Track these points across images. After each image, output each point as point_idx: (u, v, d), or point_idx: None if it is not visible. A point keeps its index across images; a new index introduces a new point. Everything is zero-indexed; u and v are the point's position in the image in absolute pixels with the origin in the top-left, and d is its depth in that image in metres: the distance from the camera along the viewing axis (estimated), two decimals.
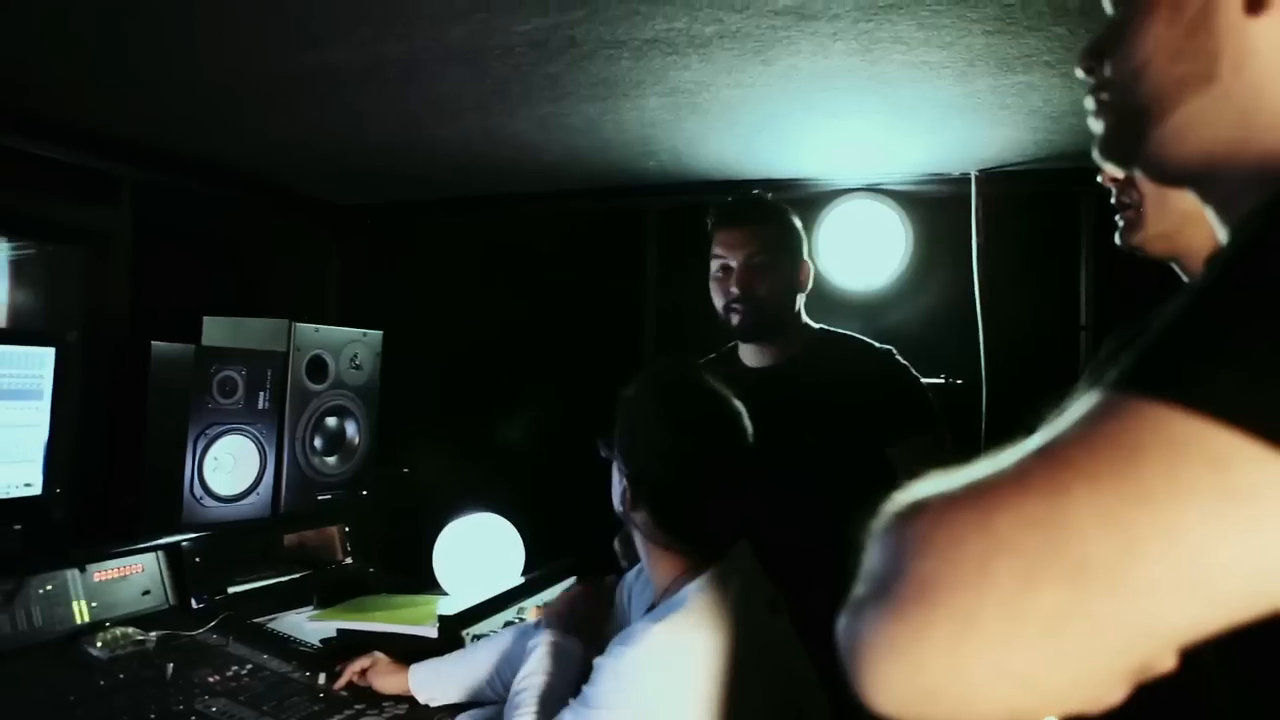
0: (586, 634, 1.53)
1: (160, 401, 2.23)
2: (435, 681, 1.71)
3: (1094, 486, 0.44)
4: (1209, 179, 0.67)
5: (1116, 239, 1.19)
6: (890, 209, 2.63)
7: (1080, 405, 0.49)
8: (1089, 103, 0.76)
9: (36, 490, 2.01)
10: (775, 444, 1.77)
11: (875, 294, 2.67)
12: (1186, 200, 1.13)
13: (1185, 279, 1.17)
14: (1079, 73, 0.77)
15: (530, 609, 2.08)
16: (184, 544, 2.04)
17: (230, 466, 2.25)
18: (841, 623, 0.50)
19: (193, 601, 2.00)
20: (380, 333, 2.56)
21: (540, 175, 2.78)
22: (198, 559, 2.05)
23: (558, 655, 1.47)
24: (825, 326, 1.97)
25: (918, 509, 0.49)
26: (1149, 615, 0.43)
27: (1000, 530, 0.45)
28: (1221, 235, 0.68)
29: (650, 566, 1.47)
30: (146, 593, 1.96)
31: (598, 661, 1.32)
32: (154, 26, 1.75)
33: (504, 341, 3.16)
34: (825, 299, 2.63)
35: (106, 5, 1.66)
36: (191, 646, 1.81)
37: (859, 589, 0.50)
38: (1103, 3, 0.75)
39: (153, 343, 2.27)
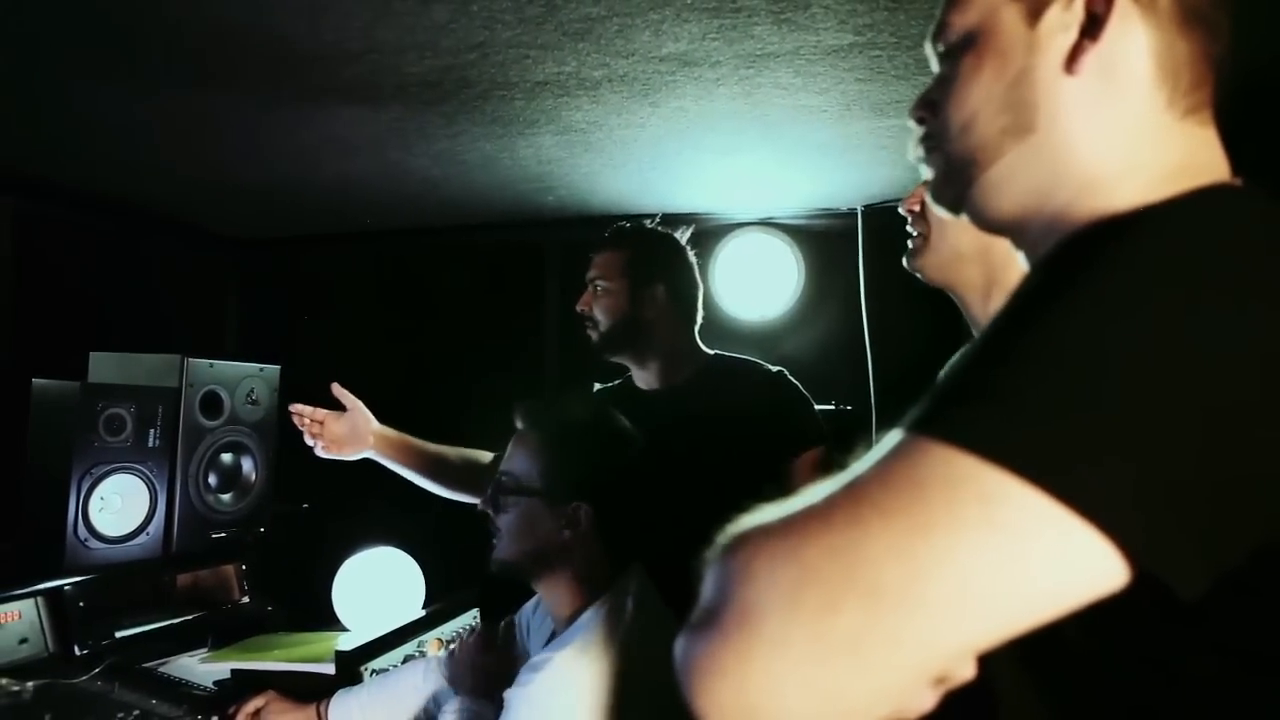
0: (495, 687, 1.54)
1: (41, 441, 2.16)
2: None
3: (885, 519, 0.50)
4: (1021, 228, 0.74)
5: (904, 261, 1.32)
6: (782, 242, 2.74)
7: (884, 443, 0.55)
8: (920, 150, 0.82)
9: None
10: (667, 465, 1.82)
11: (770, 324, 2.76)
12: (961, 241, 1.27)
13: (962, 311, 1.32)
14: (911, 123, 0.83)
15: (430, 642, 2.08)
16: (66, 588, 1.97)
17: (118, 506, 2.18)
18: (678, 645, 0.55)
19: (76, 648, 1.93)
20: (278, 367, 2.53)
21: (440, 210, 2.80)
22: (81, 603, 1.98)
23: None
24: (720, 352, 2.01)
25: (741, 541, 0.54)
26: (935, 632, 0.49)
27: (808, 560, 0.51)
28: None
29: (555, 598, 1.49)
30: (24, 641, 1.88)
31: (507, 694, 1.34)
32: (51, 61, 1.72)
33: (405, 375, 3.15)
34: (722, 328, 2.71)
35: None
36: (72, 695, 1.76)
37: (694, 614, 0.55)
38: (930, 59, 0.81)
39: (33, 380, 2.20)
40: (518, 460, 1.49)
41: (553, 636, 1.50)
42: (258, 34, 1.60)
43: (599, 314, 1.94)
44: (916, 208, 1.29)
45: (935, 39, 0.78)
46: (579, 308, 1.98)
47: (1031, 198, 0.70)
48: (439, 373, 3.14)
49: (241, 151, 2.29)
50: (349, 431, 2.12)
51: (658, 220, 2.02)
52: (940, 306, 2.73)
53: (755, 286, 2.73)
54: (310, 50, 1.68)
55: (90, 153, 2.32)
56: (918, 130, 0.81)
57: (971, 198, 0.74)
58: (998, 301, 0.78)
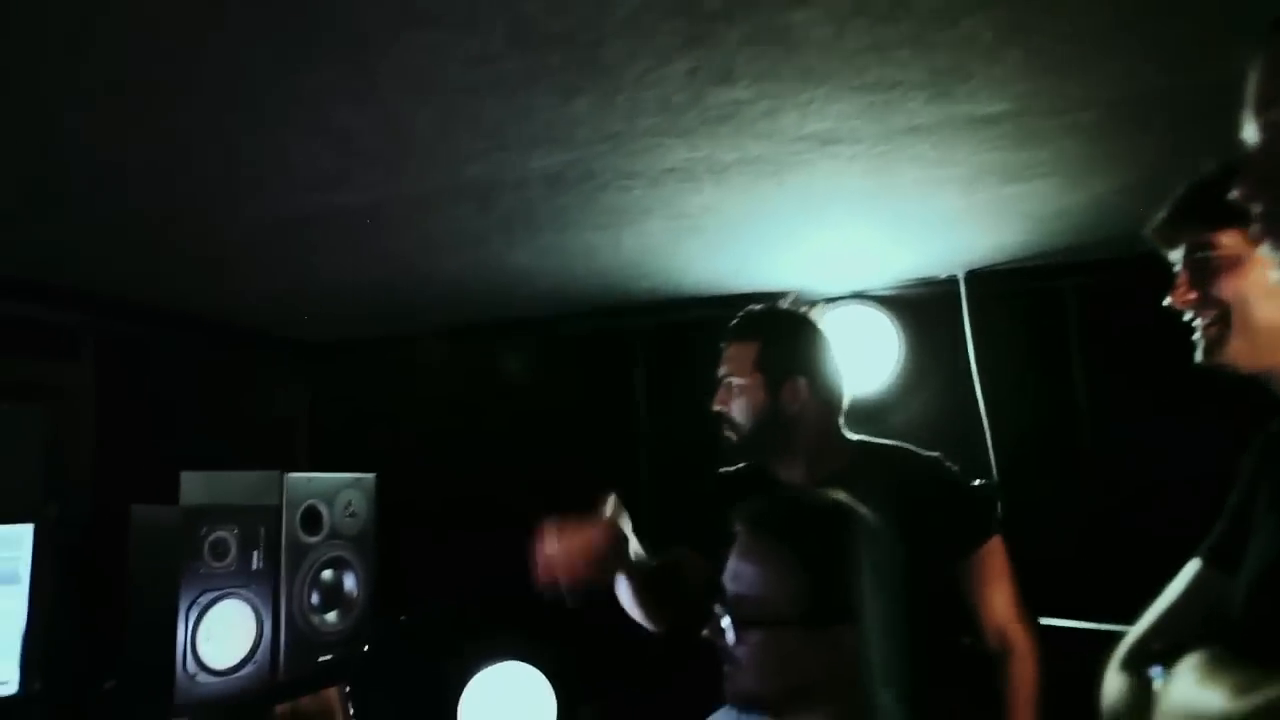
0: None
1: (144, 571, 2.05)
2: None
3: None
4: None
5: (1198, 357, 1.13)
6: (880, 314, 2.67)
7: None
8: None
9: (13, 689, 1.81)
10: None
11: (872, 399, 2.67)
12: (1277, 315, 1.08)
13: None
14: None
15: None
16: None
17: (223, 635, 2.07)
18: None
19: None
20: (373, 475, 2.43)
21: (529, 301, 2.74)
22: None
23: None
24: (864, 438, 1.85)
25: None
26: None
27: None
28: None
29: None
30: None
31: None
32: (157, 180, 1.68)
33: (497, 473, 3.04)
34: None
35: (105, 166, 1.60)
36: None
37: None
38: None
39: (133, 506, 2.11)
40: (758, 577, 1.25)
41: None
42: (373, 137, 1.55)
43: (736, 414, 1.77)
44: (1193, 296, 1.11)
45: None
46: (715, 407, 1.80)
47: None
48: (531, 469, 3.01)
49: (336, 257, 2.24)
50: (611, 543, 1.58)
51: (790, 300, 1.87)
52: (1049, 368, 2.65)
53: (854, 361, 2.64)
54: (433, 150, 1.63)
55: (174, 274, 2.28)
56: None
57: None
58: None
